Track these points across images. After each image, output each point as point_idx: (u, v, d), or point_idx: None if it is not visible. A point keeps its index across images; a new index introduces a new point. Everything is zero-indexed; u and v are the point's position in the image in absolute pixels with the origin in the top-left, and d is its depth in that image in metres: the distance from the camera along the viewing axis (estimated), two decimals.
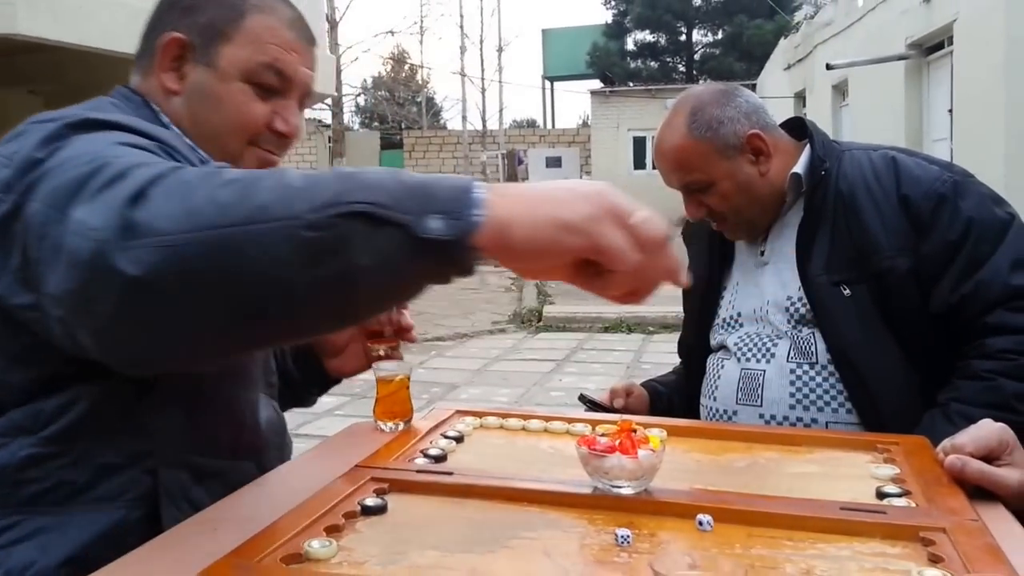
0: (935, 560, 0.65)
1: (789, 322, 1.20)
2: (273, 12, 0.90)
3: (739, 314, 1.27)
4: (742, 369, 1.22)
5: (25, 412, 0.77)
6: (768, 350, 1.21)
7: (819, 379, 1.16)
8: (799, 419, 1.16)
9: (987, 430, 0.85)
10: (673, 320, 6.25)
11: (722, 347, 1.29)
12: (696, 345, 1.35)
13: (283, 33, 0.90)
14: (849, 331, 1.14)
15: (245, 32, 0.88)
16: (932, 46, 8.79)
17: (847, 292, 1.14)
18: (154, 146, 0.75)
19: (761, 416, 1.19)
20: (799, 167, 1.20)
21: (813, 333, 1.18)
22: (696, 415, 1.32)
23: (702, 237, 1.35)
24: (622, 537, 0.69)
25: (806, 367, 1.17)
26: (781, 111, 15.27)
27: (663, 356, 4.97)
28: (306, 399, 1.20)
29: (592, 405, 1.29)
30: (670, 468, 0.83)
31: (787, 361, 1.18)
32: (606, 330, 6.37)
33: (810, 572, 0.65)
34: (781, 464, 0.93)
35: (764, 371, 1.20)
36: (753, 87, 18.14)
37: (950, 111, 8.17)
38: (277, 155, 0.93)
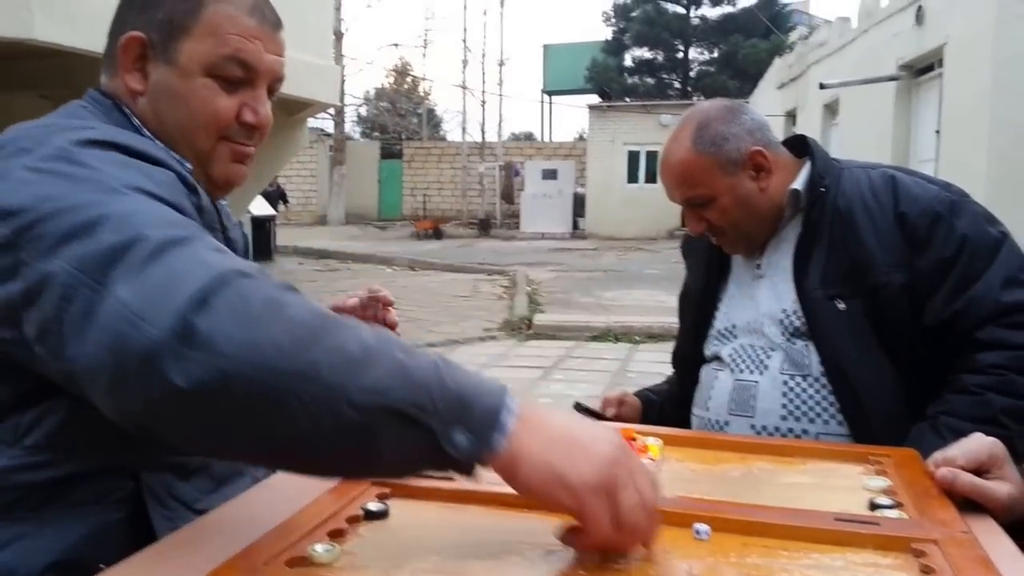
0: (927, 571, 0.66)
1: (783, 334, 1.21)
2: (231, 1, 0.86)
3: (734, 326, 1.28)
4: (735, 380, 1.23)
5: (2, 427, 0.76)
6: (762, 362, 1.21)
7: (811, 391, 1.17)
8: (790, 430, 1.17)
9: (978, 444, 0.85)
10: (659, 330, 6.26)
11: (716, 358, 1.30)
12: (690, 355, 1.36)
13: (244, 21, 0.85)
14: (843, 344, 1.15)
15: (204, 24, 0.84)
16: (922, 68, 8.88)
17: (842, 306, 1.15)
18: (159, 176, 0.74)
19: (752, 427, 1.19)
20: (798, 183, 1.22)
21: (807, 346, 1.19)
22: (687, 425, 1.32)
23: (700, 250, 1.37)
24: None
25: (799, 379, 1.18)
26: (774, 129, 15.31)
27: (649, 365, 4.97)
28: None
29: (587, 413, 1.30)
30: (666, 477, 0.83)
31: (780, 373, 1.19)
32: (594, 339, 6.38)
33: None
34: (775, 475, 0.93)
35: (757, 382, 1.20)
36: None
37: (937, 132, 8.24)
38: (250, 146, 0.90)
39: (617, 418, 1.27)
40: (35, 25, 4.85)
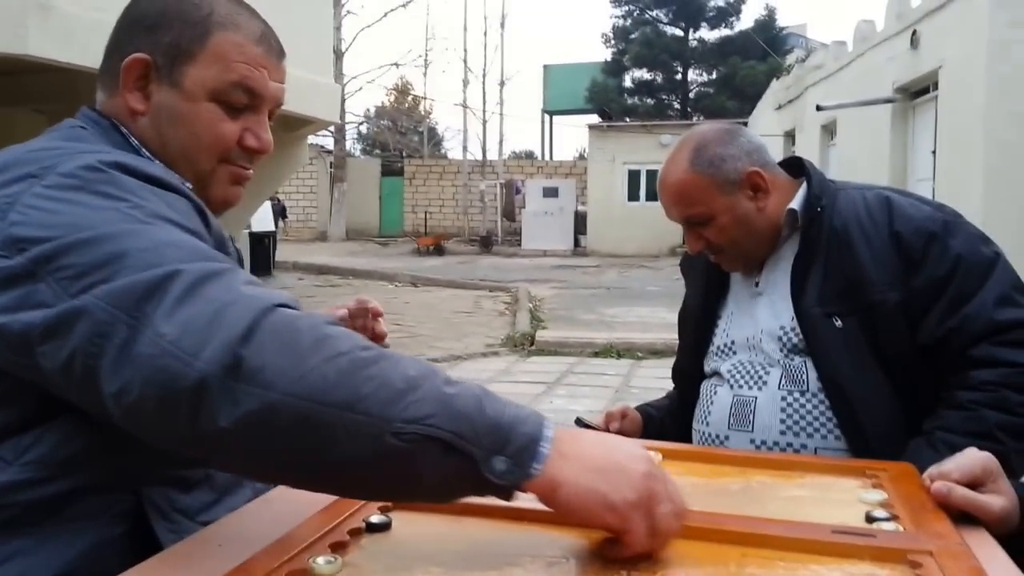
0: (914, 565, 0.66)
1: (781, 351, 1.22)
2: (239, 29, 0.86)
3: (733, 342, 1.29)
4: (734, 396, 1.23)
5: (4, 446, 0.75)
6: (760, 378, 1.22)
7: (809, 406, 1.18)
8: (789, 444, 1.17)
9: (972, 458, 0.86)
10: (661, 347, 6.25)
11: (715, 374, 1.30)
12: (690, 371, 1.37)
13: (251, 49, 0.86)
14: (840, 361, 1.15)
15: (210, 51, 0.84)
16: (918, 90, 8.95)
17: (839, 323, 1.15)
18: (176, 203, 0.74)
19: (752, 441, 1.20)
20: (795, 203, 1.23)
21: (805, 362, 1.19)
22: (688, 439, 1.32)
23: (699, 268, 1.38)
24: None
25: (796, 395, 1.19)
26: (771, 149, 15.39)
27: (651, 381, 4.96)
28: None
29: (588, 428, 1.30)
30: None
31: (778, 388, 1.20)
32: (596, 355, 6.37)
33: None
34: (773, 488, 0.94)
35: (756, 398, 1.21)
36: (745, 125, 18.29)
37: (933, 152, 8.30)
38: (249, 169, 0.91)
39: (619, 432, 1.27)
40: (30, 41, 4.89)
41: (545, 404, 4.86)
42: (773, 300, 1.25)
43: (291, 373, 0.59)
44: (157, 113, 0.85)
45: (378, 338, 1.03)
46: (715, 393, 1.27)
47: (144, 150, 0.86)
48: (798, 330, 1.20)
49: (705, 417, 1.27)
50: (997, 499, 0.83)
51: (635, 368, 5.90)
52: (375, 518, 0.78)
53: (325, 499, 0.82)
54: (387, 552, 0.73)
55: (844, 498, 0.89)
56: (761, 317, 1.25)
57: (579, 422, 1.34)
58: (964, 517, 0.82)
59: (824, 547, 0.72)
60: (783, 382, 1.20)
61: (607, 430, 1.29)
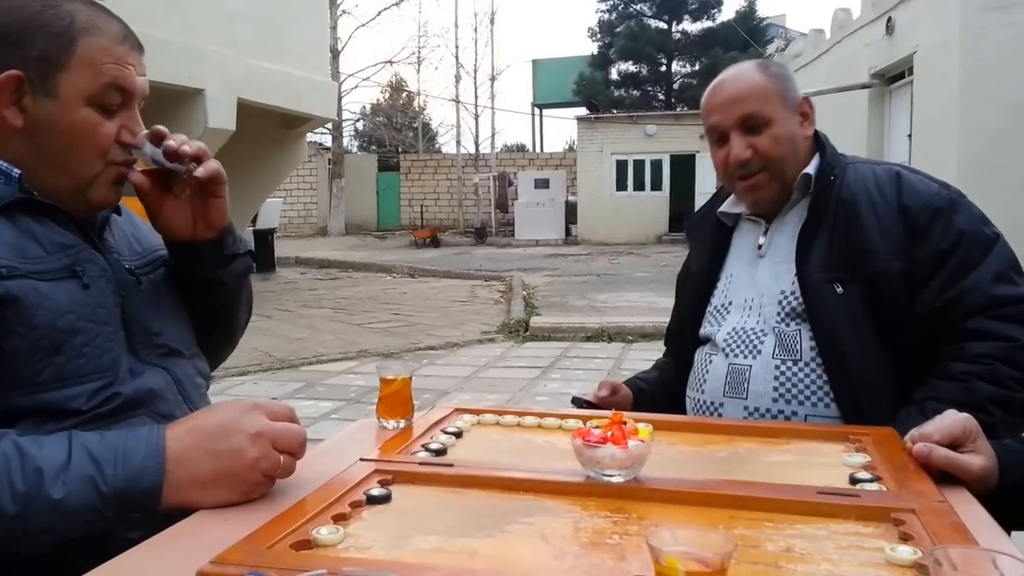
0: (905, 538, 0.66)
1: (779, 315, 1.21)
2: (102, 32, 0.87)
3: (730, 303, 1.28)
4: (729, 364, 1.23)
5: None
6: (755, 347, 1.21)
7: (801, 375, 1.17)
8: (781, 412, 1.17)
9: (952, 419, 0.86)
10: (651, 330, 6.25)
11: (709, 341, 1.30)
12: (685, 334, 1.36)
13: (116, 50, 0.87)
14: (838, 327, 1.15)
15: (79, 57, 0.85)
16: (894, 76, 8.94)
17: (839, 290, 1.15)
18: None
19: (745, 408, 1.19)
20: (810, 169, 1.24)
21: (799, 331, 1.19)
22: (678, 408, 1.32)
23: (704, 232, 1.38)
24: None
25: (790, 363, 1.18)
26: None
27: (641, 363, 4.92)
28: (238, 264, 1.05)
29: (586, 405, 1.30)
30: (657, 459, 0.83)
31: (772, 357, 1.19)
32: (588, 339, 6.37)
33: (790, 550, 0.65)
34: (760, 454, 0.94)
35: (750, 366, 1.20)
36: None
37: (909, 136, 8.30)
38: (131, 163, 0.92)
39: (611, 405, 1.27)
40: None
41: (540, 388, 4.86)
42: (775, 263, 1.25)
43: None
44: (35, 125, 0.85)
45: (184, 156, 0.91)
46: (710, 362, 1.26)
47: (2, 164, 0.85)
48: (798, 294, 1.19)
49: (700, 385, 1.27)
50: (976, 458, 0.83)
51: (626, 351, 5.91)
52: (375, 491, 0.78)
53: (327, 476, 0.82)
54: (387, 522, 0.73)
55: (828, 462, 0.89)
56: (762, 280, 1.25)
57: (576, 401, 1.33)
58: (945, 477, 0.82)
59: (810, 508, 0.72)
60: (776, 351, 1.19)
61: (601, 405, 1.28)
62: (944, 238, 1.13)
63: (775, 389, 1.17)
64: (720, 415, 1.21)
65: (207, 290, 1.03)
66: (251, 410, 0.82)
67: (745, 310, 1.25)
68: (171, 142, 0.92)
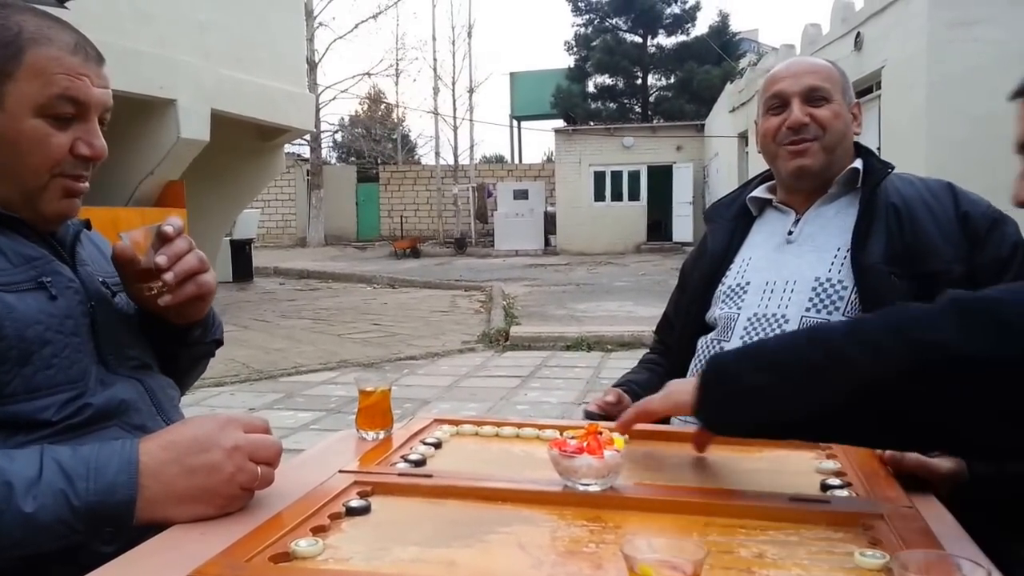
0: (874, 543, 0.68)
1: (810, 300, 1.22)
2: (52, 42, 0.85)
3: (748, 283, 1.29)
4: None
5: None
6: (776, 334, 1.21)
7: None
8: None
9: None
10: (630, 339, 6.29)
11: (716, 327, 1.30)
12: (689, 320, 1.36)
13: (67, 60, 0.85)
14: None
15: (28, 67, 0.83)
16: (862, 90, 9.13)
17: (897, 283, 1.18)
18: None
19: None
20: (857, 164, 1.29)
21: (828, 320, 1.19)
22: None
23: (725, 216, 1.41)
24: None
25: None
26: (727, 150, 15.65)
27: (620, 372, 4.93)
28: (198, 348, 1.06)
29: (597, 417, 1.29)
30: (633, 468, 0.84)
31: None
32: (568, 348, 6.38)
33: (762, 556, 0.66)
34: (735, 462, 0.95)
35: None
36: (702, 127, 18.61)
37: (878, 148, 8.47)
38: (85, 178, 0.89)
39: (618, 411, 1.26)
40: None
41: (520, 397, 4.86)
42: (809, 250, 1.27)
43: None
44: None
45: (161, 270, 0.90)
46: (720, 348, 1.26)
47: None
48: (845, 283, 1.21)
49: None
50: (945, 461, 0.85)
51: (605, 360, 5.93)
52: (355, 502, 0.78)
53: (305, 487, 0.82)
54: (367, 533, 0.72)
55: (800, 469, 0.91)
56: (793, 265, 1.26)
57: (588, 415, 1.33)
58: (913, 483, 0.84)
59: (782, 514, 0.74)
60: None
61: (607, 415, 1.27)
62: (1002, 247, 1.18)
63: None
64: None
65: (160, 352, 1.01)
66: (226, 424, 0.81)
67: (766, 293, 1.26)
68: (160, 258, 0.89)
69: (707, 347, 1.30)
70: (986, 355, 0.63)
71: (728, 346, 1.25)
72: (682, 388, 0.85)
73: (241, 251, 11.91)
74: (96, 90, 0.88)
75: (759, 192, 1.38)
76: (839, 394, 0.69)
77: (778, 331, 1.22)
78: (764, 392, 0.74)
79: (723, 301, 1.32)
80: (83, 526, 0.73)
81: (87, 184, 0.90)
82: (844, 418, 0.70)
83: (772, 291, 1.26)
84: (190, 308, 0.96)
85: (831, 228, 1.27)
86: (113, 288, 0.97)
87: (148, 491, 0.75)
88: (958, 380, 0.64)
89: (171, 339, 1.01)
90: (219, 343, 1.09)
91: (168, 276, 0.90)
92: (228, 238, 11.13)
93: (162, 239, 0.91)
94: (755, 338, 1.23)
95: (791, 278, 1.25)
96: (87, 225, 0.99)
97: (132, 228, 0.91)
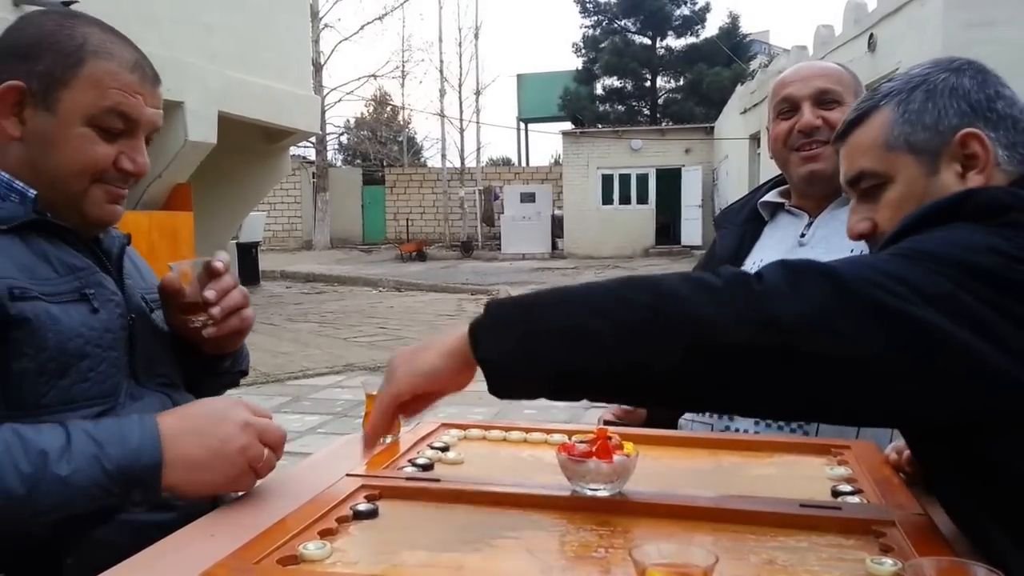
0: (886, 549, 0.68)
1: None
2: (113, 57, 0.89)
3: None
4: None
5: None
6: None
7: None
8: None
9: None
10: None
11: None
12: None
13: (124, 77, 0.89)
14: None
15: (85, 78, 0.87)
16: None
17: None
18: None
19: None
20: None
21: None
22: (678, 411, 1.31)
23: (737, 222, 1.41)
24: None
25: None
26: (737, 152, 15.62)
27: None
28: (224, 378, 1.11)
29: (614, 424, 1.29)
30: (642, 474, 0.84)
31: None
32: None
33: (773, 562, 0.66)
34: (743, 468, 0.95)
35: None
36: (711, 130, 18.58)
37: None
38: (124, 190, 0.93)
39: (633, 418, 1.27)
40: None
41: (527, 401, 4.86)
42: (821, 253, 1.25)
43: None
44: (31, 137, 0.87)
45: (210, 304, 0.94)
46: None
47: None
48: None
49: None
50: None
51: None
52: (362, 506, 0.78)
53: (313, 491, 0.82)
54: (375, 538, 0.73)
55: (811, 475, 0.91)
56: None
57: (605, 424, 1.33)
58: (925, 489, 0.84)
59: (792, 520, 0.74)
60: None
61: (623, 416, 1.29)
62: None
63: None
64: None
65: (186, 379, 1.04)
66: (236, 404, 0.86)
67: None
68: (209, 292, 0.94)
69: None
70: (745, 343, 0.58)
71: None
72: (429, 346, 0.71)
73: (248, 254, 11.96)
74: (148, 109, 0.91)
75: (771, 196, 1.39)
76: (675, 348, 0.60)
77: None
78: (586, 336, 0.61)
79: None
80: (117, 488, 0.76)
81: (127, 192, 0.93)
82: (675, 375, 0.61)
83: None
84: (227, 340, 1.01)
85: (844, 231, 1.28)
86: (151, 304, 1.00)
87: (168, 456, 0.79)
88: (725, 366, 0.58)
89: (201, 368, 1.05)
90: (244, 373, 1.13)
91: (215, 310, 0.95)
92: (235, 241, 11.18)
93: (211, 273, 0.96)
94: None
95: None
96: (128, 239, 1.02)
97: (181, 260, 0.96)
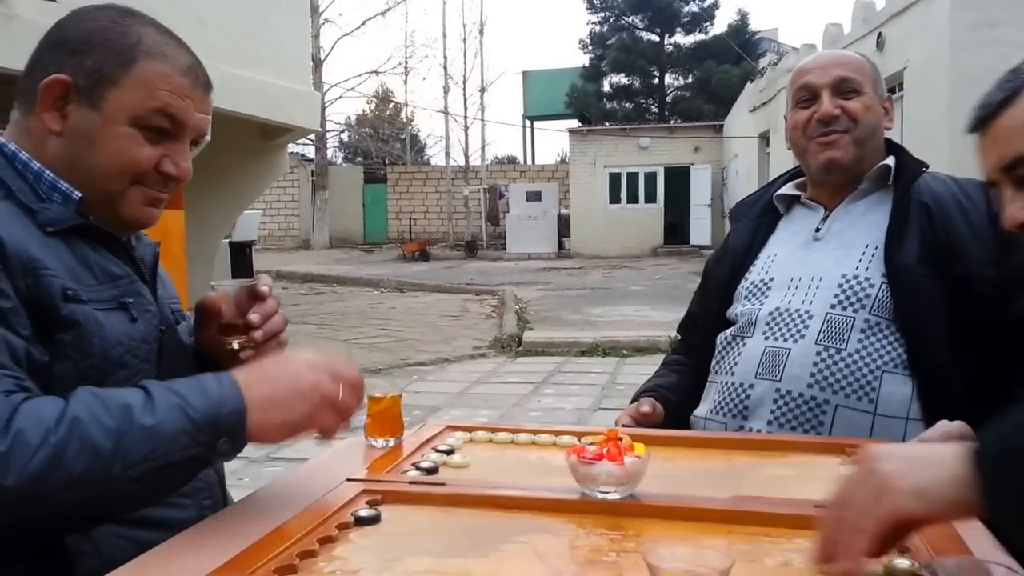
0: (903, 550, 0.67)
1: (836, 297, 1.21)
2: (166, 59, 0.89)
3: (772, 279, 1.29)
4: (766, 347, 1.22)
5: None
6: (798, 330, 1.21)
7: (841, 364, 1.16)
8: (813, 398, 1.16)
9: (951, 426, 0.89)
10: (646, 343, 6.27)
11: (736, 323, 1.30)
12: (712, 317, 1.36)
13: (176, 80, 0.89)
14: (924, 317, 1.16)
15: (135, 78, 0.86)
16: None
17: (930, 284, 1.17)
18: None
19: (777, 391, 1.18)
20: (889, 161, 1.29)
21: (853, 319, 1.19)
22: (691, 407, 1.31)
23: (750, 215, 1.41)
24: None
25: (833, 351, 1.17)
26: (747, 150, 15.60)
27: (636, 378, 4.94)
28: None
29: (631, 427, 1.28)
30: (653, 475, 0.84)
31: (815, 343, 1.19)
32: (583, 354, 6.38)
33: (788, 564, 0.66)
34: (757, 468, 0.94)
35: (789, 349, 1.20)
36: (720, 128, 18.57)
37: None
38: (165, 193, 0.92)
39: (652, 420, 1.27)
40: None
41: (534, 403, 4.85)
42: (836, 247, 1.27)
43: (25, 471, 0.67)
44: (72, 133, 0.87)
45: (252, 327, 0.96)
46: (743, 344, 1.26)
47: (33, 165, 0.86)
48: (861, 279, 1.21)
49: (731, 368, 1.26)
50: None
51: (620, 366, 5.92)
52: (364, 511, 0.78)
53: (312, 497, 0.82)
54: (377, 544, 0.72)
55: (826, 475, 0.89)
56: (820, 262, 1.26)
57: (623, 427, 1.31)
58: None
59: (807, 521, 0.73)
60: (821, 336, 1.19)
61: (641, 419, 1.28)
62: None
63: (812, 375, 1.17)
64: (748, 396, 1.21)
65: None
66: (301, 351, 0.86)
67: (790, 289, 1.26)
68: (254, 316, 0.95)
69: (727, 344, 1.29)
70: None
71: (750, 342, 1.25)
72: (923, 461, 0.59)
73: (241, 253, 11.95)
74: (196, 115, 0.91)
75: (787, 189, 1.38)
76: None
77: (800, 327, 1.21)
78: None
79: (745, 297, 1.32)
80: (204, 437, 0.75)
81: (167, 196, 0.93)
82: None
83: (797, 287, 1.26)
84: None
85: (860, 225, 1.27)
86: (177, 315, 1.00)
87: (247, 402, 0.78)
88: None
89: None
90: None
91: (258, 334, 0.95)
92: (227, 240, 11.19)
93: (254, 297, 0.96)
94: (777, 334, 1.23)
95: (817, 274, 1.25)
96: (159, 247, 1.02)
97: (224, 282, 0.97)
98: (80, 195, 0.87)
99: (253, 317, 0.94)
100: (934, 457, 0.58)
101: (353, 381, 0.84)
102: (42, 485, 0.68)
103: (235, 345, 0.96)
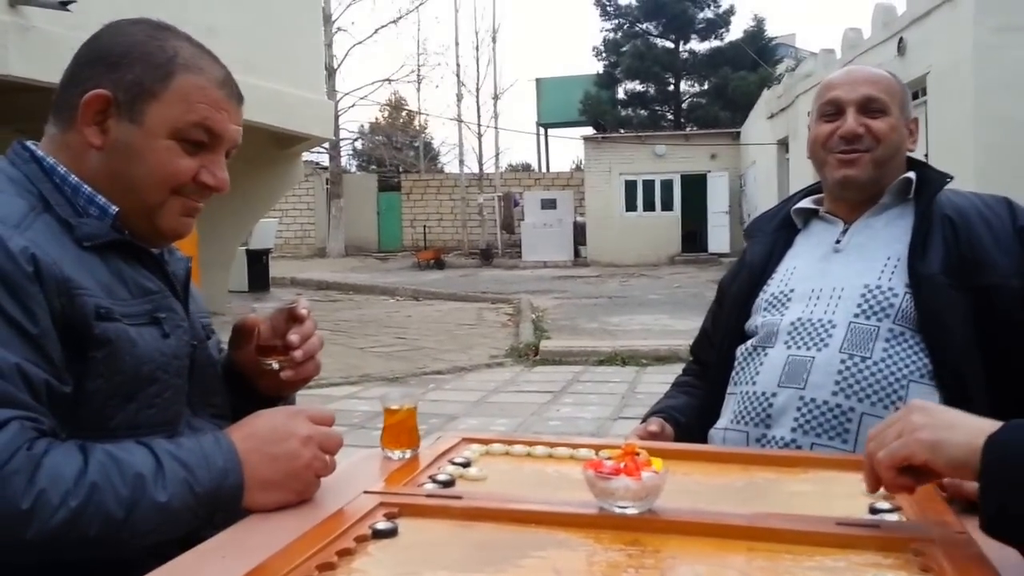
0: (926, 569, 0.66)
1: (859, 307, 1.21)
2: (202, 72, 0.91)
3: (792, 290, 1.29)
4: (789, 356, 1.22)
5: None
6: (822, 339, 1.21)
7: (867, 372, 1.16)
8: (839, 406, 1.16)
9: None
10: (666, 353, 6.24)
11: (757, 334, 1.29)
12: (729, 331, 1.36)
13: (213, 92, 0.91)
14: (950, 328, 1.16)
15: (173, 91, 0.88)
16: None
17: (954, 295, 1.17)
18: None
19: (801, 399, 1.18)
20: (911, 174, 1.29)
21: (877, 328, 1.19)
22: (706, 429, 1.30)
23: (767, 231, 1.41)
24: None
25: (857, 359, 1.17)
26: (765, 157, 15.51)
27: (656, 387, 4.94)
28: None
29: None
30: (672, 490, 0.83)
31: (839, 351, 1.19)
32: (601, 363, 6.36)
33: None
34: (778, 484, 0.94)
35: (814, 358, 1.20)
36: (737, 135, 18.49)
37: (925, 155, 8.34)
38: (201, 203, 0.94)
39: (661, 440, 1.27)
40: (10, 61, 4.91)
41: (552, 412, 4.84)
42: (855, 259, 1.27)
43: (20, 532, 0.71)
44: (113, 147, 0.88)
45: (291, 347, 0.98)
46: (764, 354, 1.25)
47: (71, 178, 0.88)
48: (884, 289, 1.21)
49: (752, 378, 1.25)
50: None
51: (640, 375, 5.89)
52: (381, 524, 0.78)
53: (330, 509, 0.82)
54: (394, 557, 0.73)
55: (847, 491, 0.89)
56: (841, 273, 1.26)
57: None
58: (967, 507, 0.82)
59: (829, 539, 0.73)
60: (845, 344, 1.19)
61: (648, 439, 1.26)
62: None
63: (836, 383, 1.16)
64: (771, 404, 1.20)
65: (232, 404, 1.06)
66: (298, 415, 0.90)
67: (811, 300, 1.26)
68: (293, 336, 0.98)
69: (747, 355, 1.29)
70: None
71: (772, 352, 1.25)
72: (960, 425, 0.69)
73: (258, 261, 12.08)
74: (231, 126, 0.94)
75: (805, 203, 1.38)
76: None
77: (824, 336, 1.21)
78: None
79: (764, 309, 1.31)
80: (203, 512, 0.80)
81: (203, 207, 0.95)
82: None
83: (819, 298, 1.26)
84: (296, 384, 1.05)
85: (880, 238, 1.27)
86: (207, 330, 1.02)
87: (246, 478, 0.83)
88: None
89: (253, 406, 1.02)
90: None
91: (297, 354, 0.99)
92: (244, 247, 11.29)
93: (293, 318, 1.00)
94: (800, 344, 1.22)
95: (839, 285, 1.25)
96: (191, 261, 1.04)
97: (264, 304, 1.01)
98: (116, 209, 0.88)
99: (293, 338, 0.98)
100: (961, 424, 0.70)
101: (336, 450, 0.90)
102: (57, 542, 0.72)
103: (275, 365, 0.99)
